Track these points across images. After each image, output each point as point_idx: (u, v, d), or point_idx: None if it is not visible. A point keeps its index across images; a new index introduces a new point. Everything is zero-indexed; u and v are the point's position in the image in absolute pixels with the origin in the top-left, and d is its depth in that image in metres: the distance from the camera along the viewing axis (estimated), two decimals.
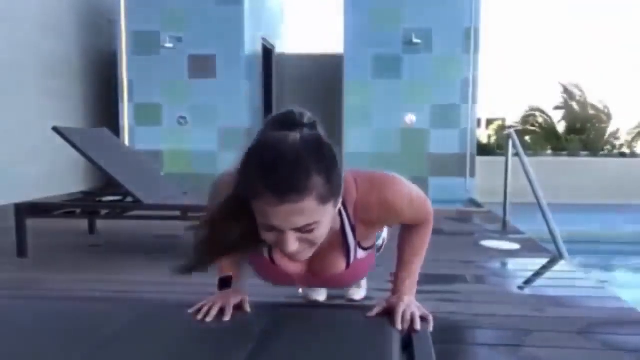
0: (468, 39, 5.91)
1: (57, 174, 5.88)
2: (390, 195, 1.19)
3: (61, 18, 6.18)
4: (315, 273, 1.30)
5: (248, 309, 1.26)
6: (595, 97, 13.55)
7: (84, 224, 3.63)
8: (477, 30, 5.91)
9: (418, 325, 1.17)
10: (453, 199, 5.82)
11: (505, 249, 3.36)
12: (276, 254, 1.25)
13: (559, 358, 1.72)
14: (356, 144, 6.01)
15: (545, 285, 2.66)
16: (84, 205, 3.24)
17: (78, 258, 3.04)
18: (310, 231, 1.00)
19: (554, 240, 3.34)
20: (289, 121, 1.00)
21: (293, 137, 0.97)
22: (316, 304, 2.05)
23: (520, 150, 4.12)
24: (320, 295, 2.10)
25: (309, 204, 0.95)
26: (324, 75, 7.44)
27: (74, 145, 3.06)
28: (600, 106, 13.01)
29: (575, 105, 13.17)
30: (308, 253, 1.08)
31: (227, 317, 1.20)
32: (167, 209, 2.99)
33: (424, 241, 1.35)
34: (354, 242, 1.24)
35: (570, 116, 13.16)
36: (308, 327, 1.24)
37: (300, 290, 2.02)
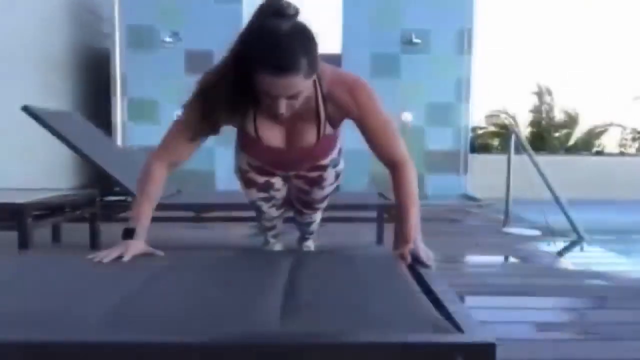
0: (463, 39, 6.12)
1: (48, 170, 5.68)
2: (358, 86, 1.50)
3: (53, 10, 5.98)
4: (292, 144, 1.58)
5: (160, 253, 1.42)
6: (565, 101, 14.23)
7: (84, 224, 3.46)
8: (471, 32, 6.12)
9: (432, 263, 1.35)
10: (449, 195, 5.98)
11: (528, 235, 3.52)
12: (261, 131, 1.54)
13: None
14: (354, 141, 6.05)
15: (583, 262, 2.82)
16: (85, 205, 3.07)
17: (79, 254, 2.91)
18: (296, 97, 1.33)
19: (572, 225, 3.52)
20: (279, 12, 1.27)
21: (285, 28, 1.25)
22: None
23: (528, 146, 4.30)
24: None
25: (298, 79, 1.26)
26: None
27: (50, 129, 2.96)
28: (570, 111, 13.67)
29: (544, 109, 13.79)
30: (290, 111, 1.38)
31: (125, 260, 1.33)
32: (167, 209, 2.90)
33: (414, 185, 1.53)
34: (324, 114, 1.51)
35: (536, 121, 13.74)
36: (330, 262, 1.44)
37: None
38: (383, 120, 1.52)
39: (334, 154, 1.81)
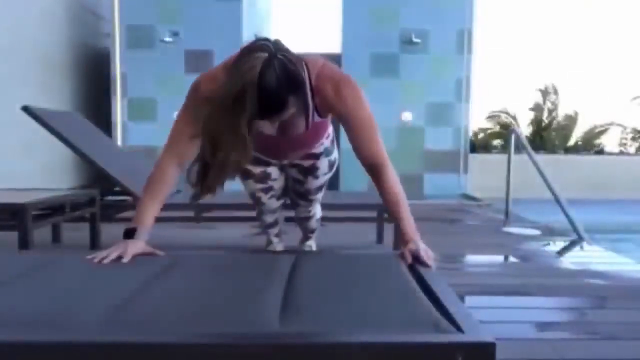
0: (462, 40, 6.12)
1: (48, 170, 5.67)
2: (344, 84, 1.48)
3: (53, 10, 5.98)
4: (283, 132, 1.60)
5: (161, 253, 1.42)
6: (569, 99, 14.22)
7: (84, 224, 3.44)
8: (471, 32, 6.12)
9: (432, 263, 1.33)
10: (449, 194, 5.98)
11: (528, 234, 3.52)
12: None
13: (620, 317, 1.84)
14: None
15: (583, 262, 2.82)
16: (85, 205, 2.96)
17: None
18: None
19: (572, 225, 3.52)
20: (266, 51, 1.23)
21: (270, 77, 1.20)
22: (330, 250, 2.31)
23: (527, 145, 4.30)
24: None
25: (287, 112, 1.29)
26: None
27: (50, 129, 2.95)
28: (570, 111, 13.66)
29: (546, 108, 13.76)
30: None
31: (124, 260, 1.32)
32: (167, 209, 2.87)
33: (400, 185, 1.53)
34: (312, 103, 1.50)
35: (537, 120, 13.72)
36: (330, 262, 1.42)
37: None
38: (366, 119, 1.51)
39: (325, 142, 1.85)
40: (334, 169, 1.99)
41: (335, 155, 1.95)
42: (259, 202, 2.04)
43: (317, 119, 1.61)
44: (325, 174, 1.95)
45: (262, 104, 1.22)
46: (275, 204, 2.10)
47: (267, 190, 1.98)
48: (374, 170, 1.53)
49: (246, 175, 1.92)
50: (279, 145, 1.75)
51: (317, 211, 2.30)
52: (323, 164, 1.90)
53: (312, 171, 1.91)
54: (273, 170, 1.94)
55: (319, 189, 2.04)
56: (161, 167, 1.49)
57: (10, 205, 2.33)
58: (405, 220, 1.46)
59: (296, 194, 2.09)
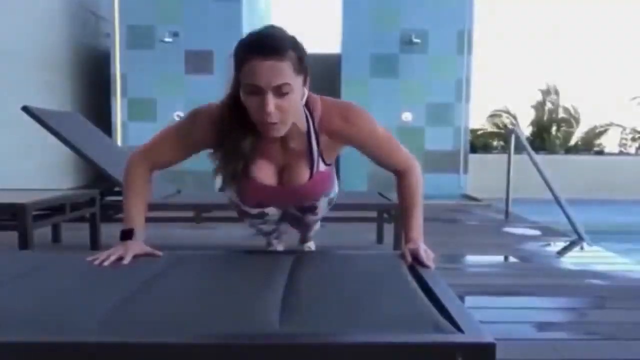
0: (462, 40, 6.12)
1: (48, 170, 5.67)
2: (352, 111, 1.45)
3: (53, 11, 5.98)
4: (285, 183, 1.56)
5: (160, 254, 1.41)
6: (569, 100, 14.21)
7: (84, 224, 3.43)
8: (470, 32, 6.13)
9: (432, 263, 1.33)
10: (449, 195, 5.98)
11: (528, 235, 3.52)
12: (252, 166, 1.50)
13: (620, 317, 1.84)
14: None
15: (583, 262, 2.82)
16: (85, 205, 2.94)
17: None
18: (285, 94, 1.25)
19: (572, 225, 3.52)
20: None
21: (275, 28, 1.29)
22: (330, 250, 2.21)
23: (527, 145, 4.30)
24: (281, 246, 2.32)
25: (286, 66, 1.23)
26: (316, 75, 7.49)
27: (50, 129, 2.96)
28: (572, 110, 13.65)
29: (546, 108, 13.75)
30: (281, 127, 1.32)
31: (125, 262, 1.31)
32: (167, 209, 2.86)
33: (419, 187, 1.52)
34: (317, 150, 1.47)
35: (538, 119, 13.71)
36: (330, 262, 1.43)
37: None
38: (382, 138, 1.49)
39: (327, 190, 1.78)
40: (333, 203, 1.93)
41: (335, 191, 1.87)
42: (257, 229, 2.01)
43: (322, 167, 1.55)
44: (324, 209, 1.89)
45: (257, 37, 1.24)
46: (271, 227, 2.04)
47: (263, 222, 1.93)
48: (398, 174, 1.54)
49: (242, 214, 1.86)
50: (279, 197, 1.69)
51: (317, 227, 2.27)
52: (322, 203, 1.83)
53: (311, 210, 1.85)
54: (270, 210, 1.86)
55: (317, 220, 2.02)
56: (139, 168, 1.48)
57: (10, 205, 2.33)
58: (413, 222, 1.46)
59: (294, 223, 2.07)
